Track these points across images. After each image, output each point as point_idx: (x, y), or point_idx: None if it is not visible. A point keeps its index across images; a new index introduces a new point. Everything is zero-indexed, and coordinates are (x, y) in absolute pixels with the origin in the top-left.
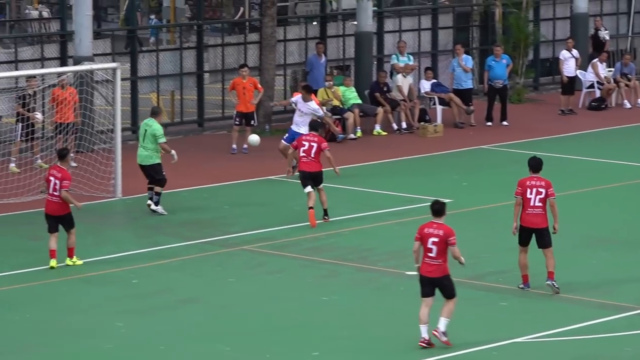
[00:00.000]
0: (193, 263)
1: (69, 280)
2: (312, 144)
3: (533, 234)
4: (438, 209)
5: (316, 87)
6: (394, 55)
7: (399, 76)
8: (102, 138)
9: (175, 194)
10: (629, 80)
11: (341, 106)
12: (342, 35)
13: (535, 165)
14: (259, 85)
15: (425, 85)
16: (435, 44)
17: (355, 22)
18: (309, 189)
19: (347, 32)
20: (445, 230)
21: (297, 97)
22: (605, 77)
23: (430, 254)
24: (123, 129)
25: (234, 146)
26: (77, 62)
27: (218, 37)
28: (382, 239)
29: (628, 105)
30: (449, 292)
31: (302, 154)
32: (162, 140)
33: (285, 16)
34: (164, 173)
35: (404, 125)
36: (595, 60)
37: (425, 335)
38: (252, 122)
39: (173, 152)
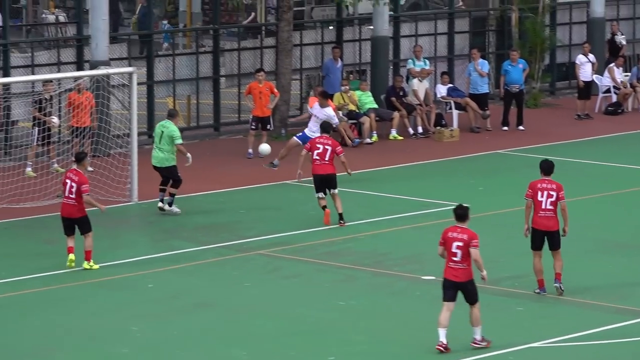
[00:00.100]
0: (209, 267)
1: (84, 285)
2: (327, 147)
3: (545, 237)
4: (461, 213)
5: (332, 92)
6: (410, 60)
7: (415, 80)
8: (119, 142)
9: (191, 198)
10: None
11: (357, 111)
12: (359, 39)
13: (546, 168)
14: (275, 90)
15: (442, 90)
16: (452, 48)
17: (372, 27)
18: (321, 194)
19: (363, 37)
20: (469, 234)
21: (314, 105)
22: (621, 81)
23: (454, 258)
24: (139, 134)
25: (250, 150)
26: (93, 66)
27: (234, 42)
28: (398, 243)
29: None
30: (472, 297)
31: (315, 157)
32: (179, 141)
33: (302, 20)
34: (179, 174)
35: (420, 129)
36: (611, 64)
37: (443, 339)
38: (268, 126)
39: (189, 155)
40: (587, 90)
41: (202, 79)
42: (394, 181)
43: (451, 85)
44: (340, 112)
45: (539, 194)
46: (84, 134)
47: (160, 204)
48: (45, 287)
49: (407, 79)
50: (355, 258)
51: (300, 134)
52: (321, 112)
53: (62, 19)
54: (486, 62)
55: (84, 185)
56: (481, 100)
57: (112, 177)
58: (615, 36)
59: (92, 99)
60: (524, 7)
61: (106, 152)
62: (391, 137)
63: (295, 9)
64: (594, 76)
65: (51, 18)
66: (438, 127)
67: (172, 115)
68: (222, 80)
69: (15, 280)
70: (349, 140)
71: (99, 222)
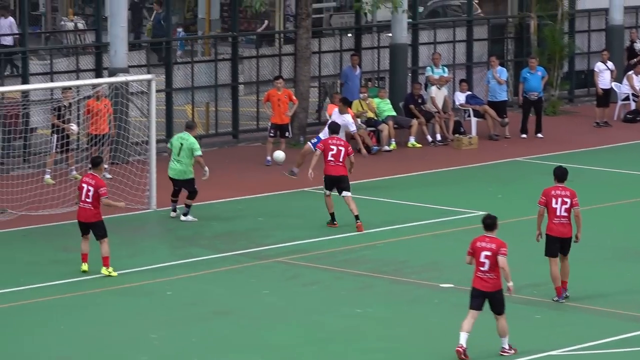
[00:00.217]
0: (227, 275)
1: (103, 292)
2: (340, 148)
3: (559, 243)
4: (490, 223)
5: (351, 99)
6: (428, 67)
7: (434, 88)
8: (137, 150)
9: (210, 206)
10: None
11: (376, 118)
12: (377, 47)
13: (560, 174)
14: (294, 97)
15: (460, 97)
16: (470, 55)
17: (390, 34)
18: (328, 192)
19: (381, 44)
20: (498, 243)
21: (333, 112)
22: None
23: (482, 268)
24: (158, 141)
25: (269, 158)
26: (112, 73)
27: (253, 49)
28: (417, 251)
29: None
30: (499, 308)
31: (330, 159)
32: (199, 153)
33: (320, 28)
34: (195, 186)
35: (438, 137)
36: (630, 72)
37: (463, 342)
38: (287, 133)
39: (206, 168)
40: (606, 97)
41: (220, 86)
42: (412, 189)
43: (470, 92)
44: (358, 120)
45: (554, 200)
46: (103, 141)
47: (172, 214)
48: (64, 294)
49: (426, 87)
50: (373, 266)
51: (315, 140)
52: (340, 118)
53: (80, 26)
54: (505, 69)
55: (101, 189)
56: (500, 107)
57: (131, 185)
58: (635, 44)
59: (109, 106)
60: (542, 15)
61: (125, 160)
62: (409, 145)
63: (314, 16)
64: (613, 84)
65: (70, 25)
66: (456, 135)
67: (190, 127)
68: (241, 87)
69: (33, 287)
70: (364, 150)
71: (117, 230)
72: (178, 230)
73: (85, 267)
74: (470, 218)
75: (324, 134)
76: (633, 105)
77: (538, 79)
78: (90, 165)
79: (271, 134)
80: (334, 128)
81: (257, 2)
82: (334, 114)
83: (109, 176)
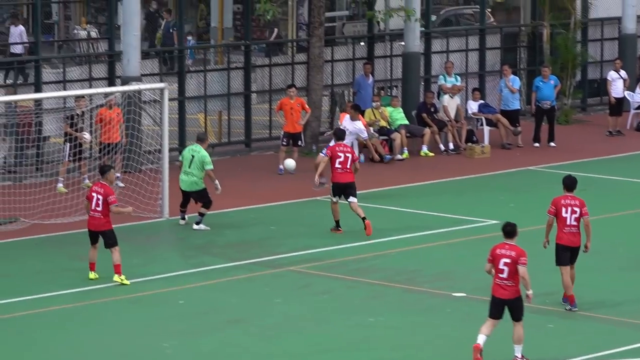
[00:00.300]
0: (240, 284)
1: (115, 301)
2: (347, 154)
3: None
4: (510, 230)
5: (363, 108)
6: (441, 76)
7: (446, 97)
8: (150, 158)
9: (222, 215)
10: None
11: (388, 127)
12: (390, 55)
13: (569, 183)
14: (307, 106)
15: (473, 106)
16: (483, 64)
17: (403, 43)
18: (336, 199)
19: (394, 53)
20: (517, 251)
21: (344, 118)
22: None
23: (501, 275)
24: (170, 149)
25: (281, 167)
26: (125, 82)
27: (265, 57)
28: (429, 260)
29: None
30: (517, 314)
31: (337, 166)
32: (210, 167)
33: (333, 36)
34: (209, 196)
35: (451, 146)
36: None
37: (481, 341)
38: (300, 142)
39: (217, 181)
40: (619, 106)
41: (233, 94)
42: (424, 197)
43: (482, 101)
44: (371, 129)
45: (564, 210)
46: (116, 149)
47: (181, 222)
48: (76, 303)
49: (439, 95)
50: (385, 275)
51: (325, 150)
52: (352, 124)
53: (93, 34)
54: (517, 78)
55: (110, 197)
56: (512, 116)
57: (144, 193)
58: None
59: (121, 115)
60: (555, 23)
61: (137, 168)
62: (422, 154)
63: (327, 24)
64: (626, 92)
65: (83, 34)
66: (469, 144)
67: (201, 139)
68: (253, 96)
69: (46, 296)
70: (376, 156)
71: (130, 238)
72: (190, 239)
73: (92, 275)
74: (482, 227)
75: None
76: None
77: (551, 87)
78: (99, 174)
79: (284, 143)
80: (340, 135)
81: (269, 11)
82: (345, 120)
83: (121, 185)
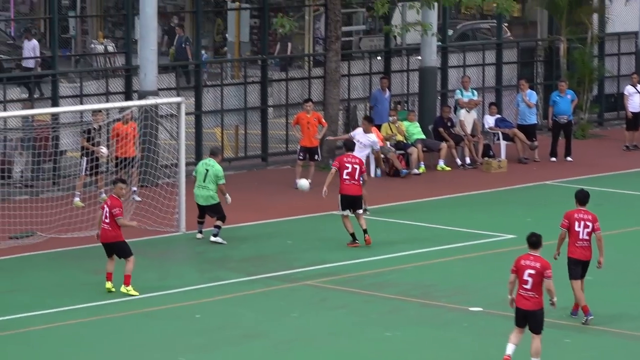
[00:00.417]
0: (256, 298)
1: (131, 315)
2: (356, 166)
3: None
4: (535, 241)
5: (380, 122)
6: (458, 90)
7: (463, 111)
8: (166, 172)
9: (239, 229)
10: None
11: (405, 141)
12: (407, 70)
13: (582, 198)
14: (323, 120)
15: (489, 121)
16: (500, 79)
17: (420, 57)
18: (346, 212)
19: (411, 67)
20: (542, 263)
21: (357, 130)
22: None
23: (525, 286)
24: (187, 164)
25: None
26: (141, 96)
27: (282, 72)
28: (446, 274)
29: None
30: (537, 327)
31: (345, 177)
32: (223, 181)
33: (350, 51)
34: (223, 211)
35: (467, 160)
36: None
37: (510, 351)
38: (316, 157)
39: (228, 195)
40: (636, 121)
41: (250, 109)
42: (441, 212)
43: (499, 116)
44: (388, 143)
45: (576, 224)
46: (132, 164)
47: (199, 235)
48: (92, 317)
49: (455, 110)
50: (402, 289)
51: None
52: (365, 137)
53: (110, 49)
54: (534, 92)
55: (115, 209)
56: (529, 131)
57: (160, 207)
58: None
59: (136, 129)
60: (572, 38)
61: (154, 182)
62: (439, 168)
63: (343, 39)
64: None
65: (100, 48)
66: (486, 158)
67: (215, 153)
68: (270, 110)
69: (62, 310)
70: (398, 164)
71: (146, 252)
72: (207, 253)
73: (109, 285)
74: (499, 241)
75: None
76: None
77: (568, 102)
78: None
79: (300, 157)
80: (350, 145)
81: (287, 26)
82: (358, 133)
83: (138, 199)
